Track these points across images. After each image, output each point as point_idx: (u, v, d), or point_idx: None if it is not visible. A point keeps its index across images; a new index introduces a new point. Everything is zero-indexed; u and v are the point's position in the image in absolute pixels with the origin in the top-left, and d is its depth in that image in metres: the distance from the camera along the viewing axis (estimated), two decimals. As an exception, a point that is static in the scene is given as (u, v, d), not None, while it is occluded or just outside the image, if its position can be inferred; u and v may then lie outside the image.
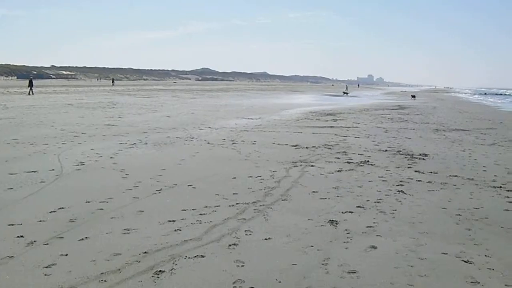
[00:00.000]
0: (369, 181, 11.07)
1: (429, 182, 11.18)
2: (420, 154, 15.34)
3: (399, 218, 8.16)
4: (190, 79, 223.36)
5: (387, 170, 12.48)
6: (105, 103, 39.72)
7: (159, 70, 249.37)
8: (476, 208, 8.92)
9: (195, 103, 44.10)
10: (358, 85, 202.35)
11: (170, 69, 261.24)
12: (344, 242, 6.88)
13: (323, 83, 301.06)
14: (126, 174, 11.60)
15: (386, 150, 16.06)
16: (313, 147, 16.49)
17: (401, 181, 11.14)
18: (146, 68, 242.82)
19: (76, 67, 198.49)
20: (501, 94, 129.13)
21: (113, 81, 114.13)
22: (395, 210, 8.63)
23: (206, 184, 10.65)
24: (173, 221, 7.81)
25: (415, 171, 12.45)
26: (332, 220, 7.90)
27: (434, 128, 24.66)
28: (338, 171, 12.24)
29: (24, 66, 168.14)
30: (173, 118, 27.27)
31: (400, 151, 16.03)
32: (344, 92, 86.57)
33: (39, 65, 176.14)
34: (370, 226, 7.63)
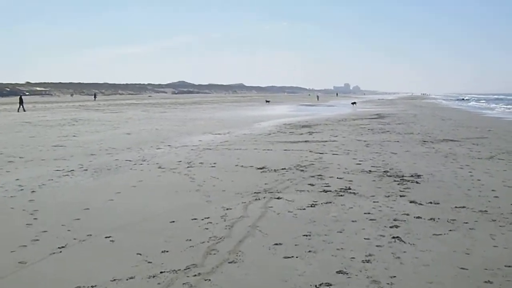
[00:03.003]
0: (353, 222, 8.30)
1: (431, 219, 8.46)
2: (411, 175, 12.69)
3: (403, 295, 5.38)
4: (166, 92, 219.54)
5: (374, 202, 9.74)
6: (66, 120, 36.61)
7: (135, 84, 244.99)
8: (509, 267, 6.17)
9: (163, 117, 41.14)
10: (337, 94, 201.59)
11: (146, 83, 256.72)
12: None
13: (299, 93, 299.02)
14: (35, 219, 8.79)
15: (370, 171, 13.37)
16: (282, 169, 13.74)
17: (395, 220, 8.40)
18: (122, 83, 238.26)
19: (51, 83, 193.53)
20: (477, 100, 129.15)
21: (95, 96, 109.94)
22: (394, 277, 5.85)
23: (131, 233, 7.83)
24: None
25: (410, 202, 9.74)
26: (299, 307, 5.08)
27: (420, 139, 22.12)
28: (311, 206, 9.46)
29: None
30: (133, 136, 24.38)
31: (387, 171, 13.36)
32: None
33: (13, 82, 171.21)
34: (360, 319, 4.83)
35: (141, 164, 15.09)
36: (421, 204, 9.52)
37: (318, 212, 8.98)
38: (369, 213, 8.83)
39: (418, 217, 8.55)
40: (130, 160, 15.74)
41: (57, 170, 14.01)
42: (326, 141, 21.01)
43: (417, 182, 11.78)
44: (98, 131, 27.36)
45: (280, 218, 8.61)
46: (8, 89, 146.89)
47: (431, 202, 9.68)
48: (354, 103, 78.61)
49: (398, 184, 11.51)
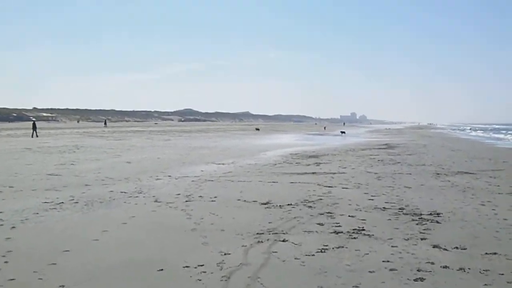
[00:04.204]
0: (370, 272, 7.14)
1: (461, 269, 7.29)
2: (430, 213, 11.55)
3: None
4: (172, 120, 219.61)
5: (392, 246, 8.58)
6: (68, 147, 35.65)
7: (142, 111, 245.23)
8: None
9: (167, 145, 40.12)
10: (344, 123, 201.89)
11: (152, 110, 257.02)
12: None
13: (306, 122, 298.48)
14: (5, 262, 7.84)
15: (384, 208, 12.22)
16: (288, 204, 12.63)
17: (418, 270, 7.24)
18: (129, 110, 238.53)
19: (58, 109, 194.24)
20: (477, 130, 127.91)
21: (105, 123, 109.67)
22: None
23: (110, 286, 6.68)
24: None
25: (434, 247, 8.58)
26: None
27: (434, 171, 20.97)
28: (321, 251, 8.31)
29: (4, 108, 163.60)
30: (133, 165, 23.35)
31: (403, 208, 12.22)
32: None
33: (20, 107, 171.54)
34: None
35: (137, 196, 14.04)
36: (446, 250, 8.37)
37: (329, 259, 7.82)
38: (388, 261, 7.67)
39: (445, 267, 7.39)
40: (125, 192, 14.71)
41: (46, 202, 13.01)
42: (334, 173, 19.91)
43: (437, 222, 10.63)
44: (98, 159, 26.36)
45: (286, 267, 7.46)
46: (15, 115, 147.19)
47: (457, 247, 8.53)
48: (343, 132, 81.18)
49: (417, 224, 10.36)
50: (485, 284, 6.65)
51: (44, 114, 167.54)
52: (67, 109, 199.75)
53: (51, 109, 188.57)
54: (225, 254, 8.08)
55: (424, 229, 9.89)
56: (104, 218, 11.09)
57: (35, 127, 54.89)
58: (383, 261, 7.66)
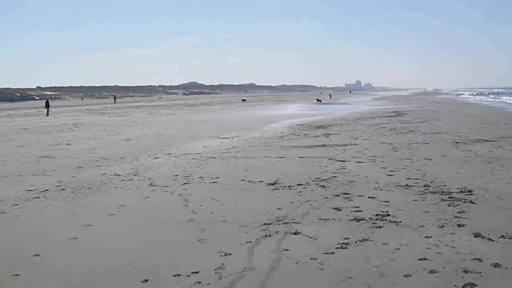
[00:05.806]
0: (406, 277, 5.72)
1: (517, 269, 5.85)
2: (460, 191, 10.12)
3: None
4: (177, 93, 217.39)
5: (426, 237, 7.15)
6: (67, 125, 34.29)
7: (146, 86, 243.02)
8: None
9: (169, 120, 38.69)
10: (350, 92, 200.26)
11: (157, 85, 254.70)
12: None
13: (311, 91, 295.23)
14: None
15: (407, 186, 10.78)
16: (298, 184, 11.21)
17: (465, 271, 5.82)
18: (133, 85, 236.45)
19: (62, 87, 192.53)
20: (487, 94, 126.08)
21: (115, 99, 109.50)
22: None
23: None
24: None
25: (475, 236, 7.14)
26: None
27: (451, 139, 19.52)
28: (342, 246, 6.86)
29: (7, 88, 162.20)
30: (133, 142, 22.01)
31: (428, 185, 10.79)
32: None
33: (23, 87, 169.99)
34: None
35: (131, 179, 12.69)
36: (491, 240, 6.94)
37: (352, 258, 6.39)
38: (425, 259, 6.23)
39: (497, 265, 5.97)
40: (119, 175, 13.37)
41: (29, 190, 11.67)
42: (346, 145, 18.47)
43: (471, 202, 9.20)
44: (96, 137, 25.00)
45: (300, 271, 6.02)
46: (18, 94, 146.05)
47: (503, 236, 7.10)
48: (319, 100, 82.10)
49: (449, 206, 8.93)
50: (554, 290, 5.23)
51: (48, 93, 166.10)
52: (70, 86, 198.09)
53: (55, 87, 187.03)
54: (225, 254, 6.66)
55: (459, 212, 8.47)
56: (89, 209, 9.74)
57: (49, 105, 54.21)
58: (419, 259, 6.21)
